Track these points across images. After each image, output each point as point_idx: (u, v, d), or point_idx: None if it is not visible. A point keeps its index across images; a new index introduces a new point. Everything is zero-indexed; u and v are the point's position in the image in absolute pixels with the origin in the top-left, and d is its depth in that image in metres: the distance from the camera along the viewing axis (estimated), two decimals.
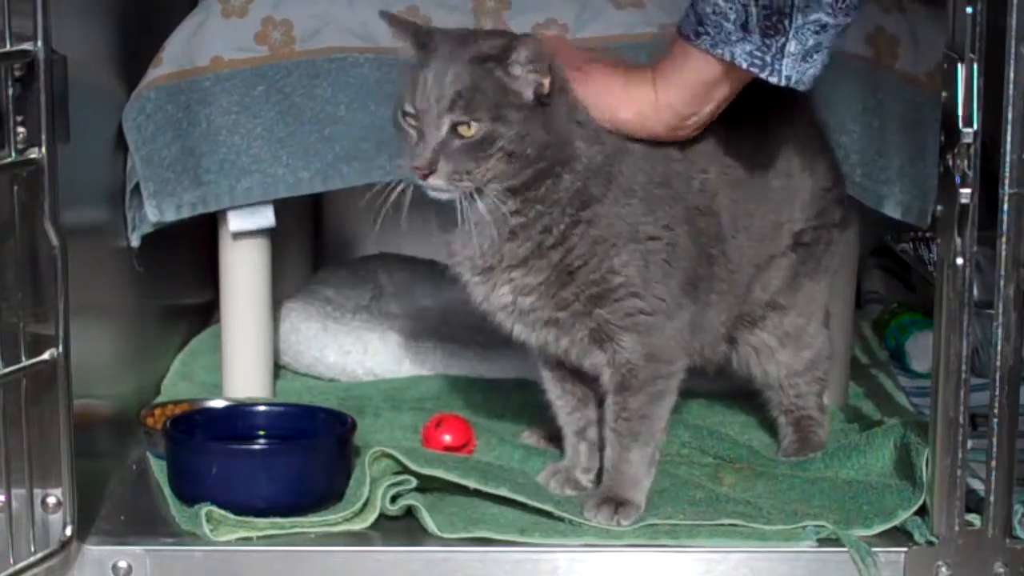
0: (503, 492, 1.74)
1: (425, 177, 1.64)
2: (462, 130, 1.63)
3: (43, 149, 1.59)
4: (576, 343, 1.75)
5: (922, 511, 1.71)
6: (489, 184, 1.65)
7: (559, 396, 1.83)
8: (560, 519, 1.72)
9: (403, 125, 1.67)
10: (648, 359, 1.74)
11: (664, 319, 1.73)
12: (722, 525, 1.70)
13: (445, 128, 1.63)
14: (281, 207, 2.09)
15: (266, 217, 2.03)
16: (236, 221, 2.03)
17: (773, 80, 1.64)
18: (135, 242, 2.02)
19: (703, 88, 1.68)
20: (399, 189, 1.67)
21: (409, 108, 1.65)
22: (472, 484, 1.74)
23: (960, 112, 1.58)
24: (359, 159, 2.01)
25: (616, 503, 1.72)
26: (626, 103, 1.70)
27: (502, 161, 1.65)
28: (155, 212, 2.01)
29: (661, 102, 1.69)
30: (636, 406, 1.74)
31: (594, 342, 1.74)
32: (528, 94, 1.65)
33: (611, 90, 1.71)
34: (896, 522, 1.71)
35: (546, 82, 1.65)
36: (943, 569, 1.66)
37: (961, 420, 1.63)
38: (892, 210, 2.00)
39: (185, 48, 2.01)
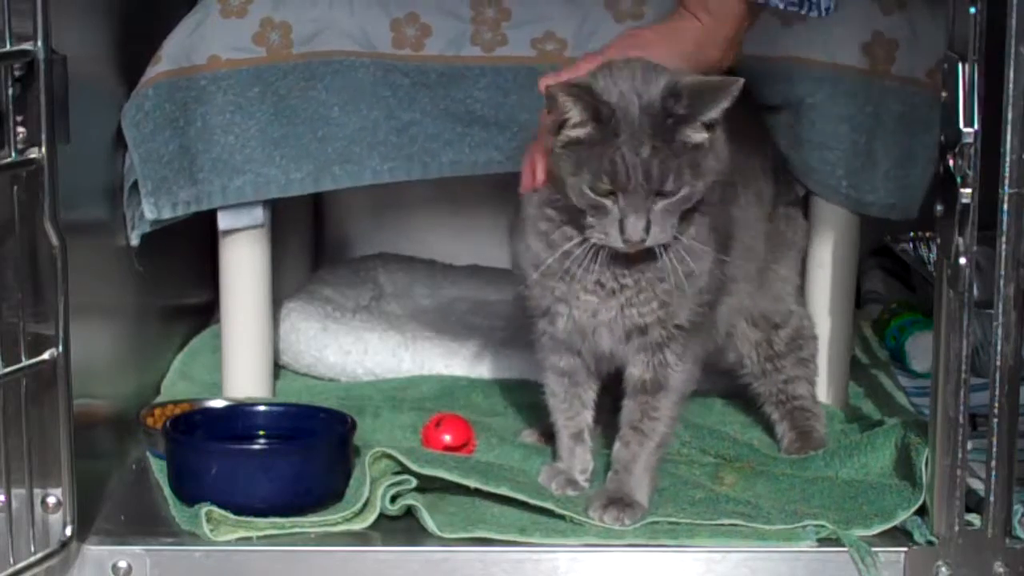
0: (504, 491, 1.74)
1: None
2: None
3: (43, 149, 1.59)
4: (630, 347, 1.77)
5: (922, 511, 1.71)
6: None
7: (563, 400, 1.84)
8: (561, 517, 1.72)
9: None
10: (687, 362, 1.77)
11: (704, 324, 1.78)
12: (722, 525, 1.71)
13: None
14: (281, 206, 2.10)
15: (255, 216, 2.03)
16: (225, 219, 2.03)
17: (813, 14, 1.75)
18: (135, 241, 2.02)
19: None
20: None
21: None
22: (472, 483, 1.74)
23: (961, 112, 1.58)
24: (351, 161, 2.01)
25: (623, 504, 1.72)
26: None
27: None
28: (152, 210, 2.01)
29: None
30: (666, 406, 1.76)
31: (644, 348, 1.76)
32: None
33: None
34: (896, 522, 1.71)
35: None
36: (943, 569, 1.66)
37: (961, 420, 1.63)
38: (874, 211, 2.01)
39: (184, 46, 2.01)
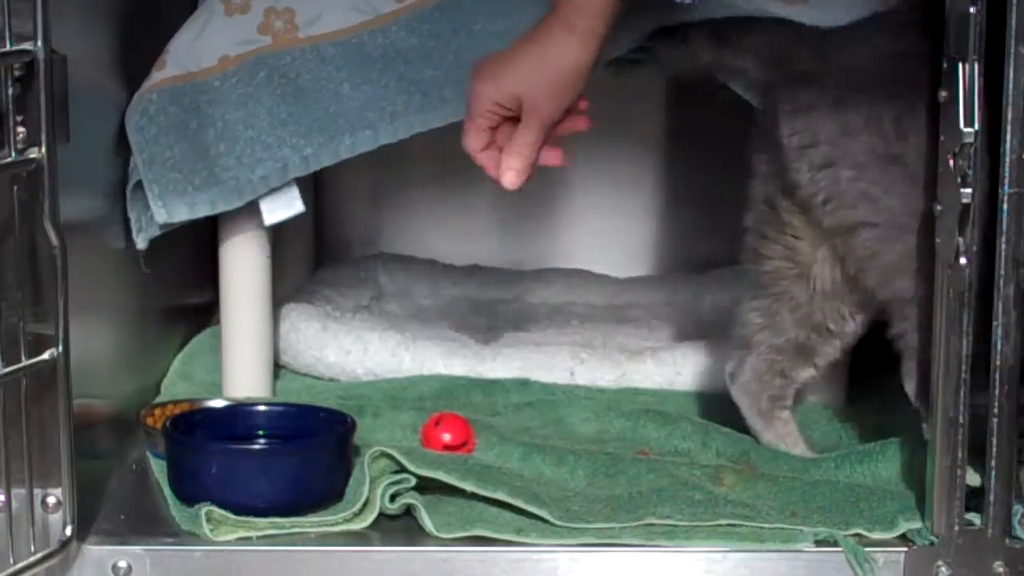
0: (500, 495, 1.73)
1: None
2: None
3: (43, 149, 1.59)
4: None
5: (922, 511, 1.71)
6: None
7: None
8: (555, 525, 1.71)
9: None
10: None
11: None
12: (720, 526, 1.70)
13: None
14: None
15: (296, 205, 2.02)
16: (269, 214, 2.02)
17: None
18: (141, 244, 2.02)
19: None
20: None
21: None
22: (469, 487, 1.74)
23: (961, 112, 1.58)
24: (363, 126, 1.99)
25: None
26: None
27: None
28: (163, 214, 2.00)
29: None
30: None
31: None
32: None
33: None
34: (898, 532, 1.70)
35: None
36: (943, 569, 1.66)
37: (961, 420, 1.63)
38: None
39: (190, 50, 2.00)
